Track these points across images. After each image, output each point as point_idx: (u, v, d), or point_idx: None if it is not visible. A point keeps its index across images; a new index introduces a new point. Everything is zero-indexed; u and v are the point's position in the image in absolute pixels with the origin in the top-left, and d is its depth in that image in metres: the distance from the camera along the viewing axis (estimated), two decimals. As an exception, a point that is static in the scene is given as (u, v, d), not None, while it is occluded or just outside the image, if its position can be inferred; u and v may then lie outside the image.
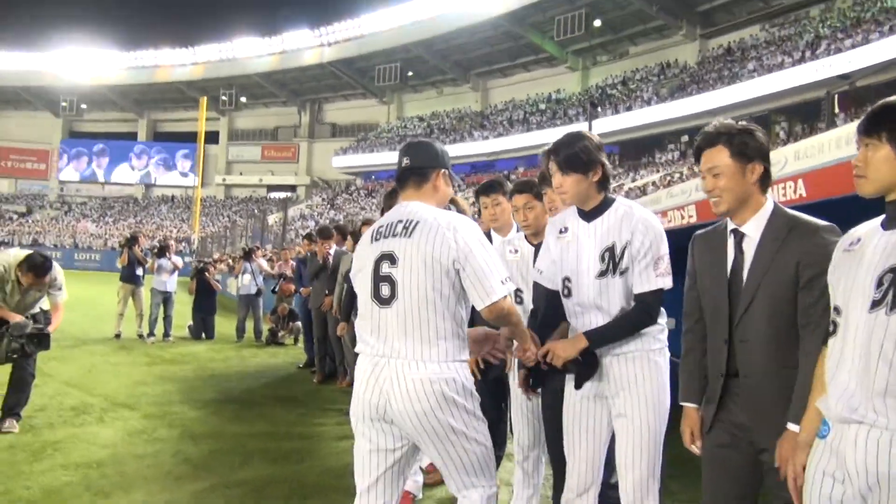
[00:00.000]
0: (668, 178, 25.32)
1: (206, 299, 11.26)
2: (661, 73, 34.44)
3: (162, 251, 10.62)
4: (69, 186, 56.23)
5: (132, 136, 56.92)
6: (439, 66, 44.40)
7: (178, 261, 10.76)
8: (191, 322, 11.19)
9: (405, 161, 2.45)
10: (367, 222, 4.48)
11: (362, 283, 2.36)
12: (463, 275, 2.22)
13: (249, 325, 11.12)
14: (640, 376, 2.35)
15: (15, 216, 51.18)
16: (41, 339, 4.81)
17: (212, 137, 51.32)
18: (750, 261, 2.04)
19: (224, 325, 11.80)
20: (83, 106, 55.19)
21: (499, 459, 3.48)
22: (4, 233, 47.26)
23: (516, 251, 3.13)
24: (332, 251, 7.55)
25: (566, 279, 2.45)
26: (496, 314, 2.24)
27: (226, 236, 33.15)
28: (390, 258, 2.28)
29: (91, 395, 5.94)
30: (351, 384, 2.65)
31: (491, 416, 2.72)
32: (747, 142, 2.08)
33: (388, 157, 43.45)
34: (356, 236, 6.16)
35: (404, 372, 2.19)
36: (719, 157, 2.09)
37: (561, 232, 2.49)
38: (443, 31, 40.50)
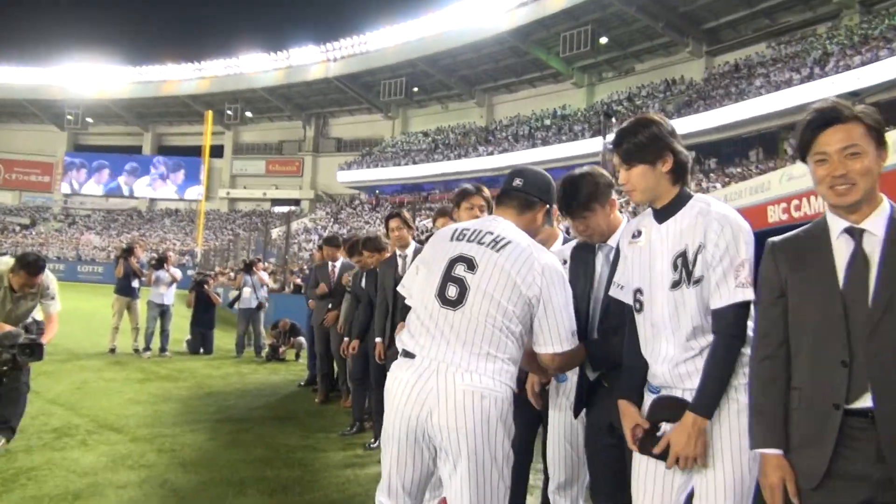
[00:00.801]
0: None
1: (204, 313, 10.96)
2: (667, 90, 34.31)
3: (160, 262, 10.32)
4: (73, 199, 56.21)
5: (137, 150, 56.95)
6: (444, 81, 44.40)
7: (177, 273, 10.46)
8: (189, 336, 10.90)
9: (517, 181, 2.37)
10: (442, 213, 4.22)
11: (427, 278, 2.23)
12: (538, 314, 2.14)
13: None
14: (722, 420, 1.93)
15: (18, 228, 51.08)
16: (34, 350, 4.51)
17: (217, 151, 51.40)
18: (878, 262, 1.66)
19: (224, 339, 11.50)
20: (88, 119, 55.31)
21: None
22: (8, 244, 47.11)
23: (565, 262, 2.72)
24: (338, 264, 7.26)
25: (638, 291, 2.10)
26: (558, 363, 2.19)
27: (229, 249, 32.91)
28: (469, 263, 2.17)
29: (77, 415, 5.62)
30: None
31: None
32: (880, 121, 1.73)
33: (393, 172, 43.39)
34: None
35: (455, 381, 2.05)
36: (856, 133, 1.69)
37: (634, 236, 2.16)
38: (448, 47, 40.51)
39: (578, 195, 2.44)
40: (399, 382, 2.13)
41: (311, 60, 47.82)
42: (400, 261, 4.74)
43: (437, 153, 42.95)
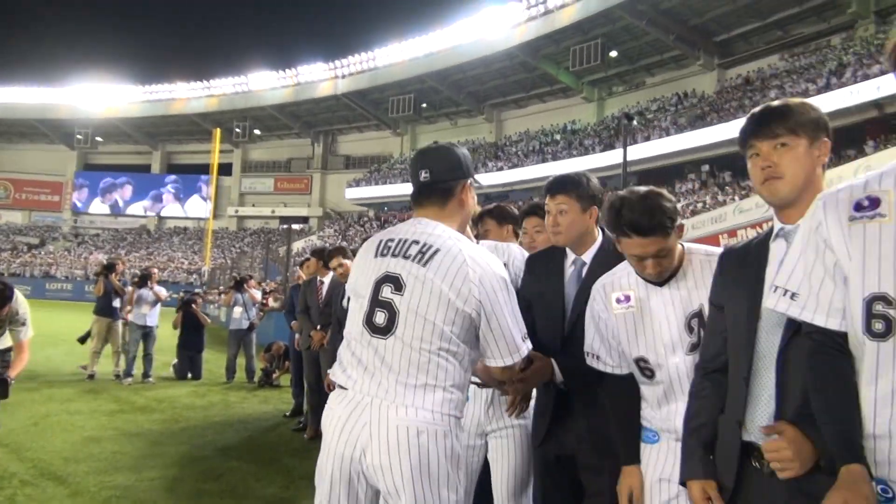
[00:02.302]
0: (691, 207, 24.34)
1: (192, 335, 10.31)
2: (678, 104, 33.69)
3: (143, 280, 9.66)
4: (82, 218, 56.11)
5: (146, 169, 56.88)
6: (453, 97, 44.00)
7: (161, 291, 9.80)
8: (175, 360, 10.26)
9: (424, 175, 2.06)
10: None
11: (356, 304, 2.01)
12: (482, 325, 1.92)
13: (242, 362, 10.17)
14: None
15: (27, 248, 50.97)
16: None
17: (225, 169, 51.19)
18: None
19: (217, 362, 10.85)
20: (98, 139, 55.31)
21: None
22: (17, 264, 46.97)
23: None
24: (327, 279, 6.63)
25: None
26: (507, 375, 2.04)
27: (234, 267, 32.47)
28: (395, 282, 1.93)
29: (19, 460, 4.92)
30: None
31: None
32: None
33: (401, 189, 42.95)
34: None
35: (388, 416, 1.84)
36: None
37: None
38: (457, 63, 40.11)
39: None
40: (332, 418, 1.93)
41: (319, 77, 47.64)
42: None
43: (451, 142, 42.36)
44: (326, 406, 1.99)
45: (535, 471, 2.52)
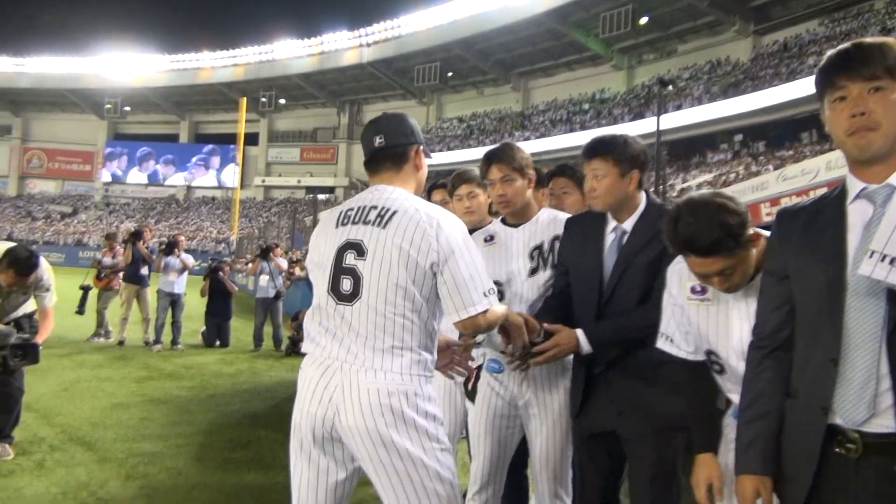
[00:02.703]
0: (723, 178, 23.80)
1: (220, 303, 10.36)
2: (711, 71, 32.80)
3: (170, 248, 9.69)
4: (113, 187, 56.85)
5: (174, 138, 57.29)
6: (480, 65, 43.36)
7: (188, 259, 9.84)
8: (204, 328, 10.34)
9: (378, 141, 2.11)
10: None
11: (319, 273, 2.04)
12: (440, 280, 1.94)
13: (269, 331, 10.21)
14: None
15: (60, 216, 51.91)
16: (27, 351, 3.99)
17: (252, 139, 51.22)
18: None
19: (245, 330, 10.91)
20: (126, 108, 55.69)
21: None
22: (51, 233, 47.94)
23: (492, 238, 2.67)
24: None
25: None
26: (472, 329, 1.99)
27: (261, 237, 32.69)
28: (357, 248, 1.97)
29: (48, 425, 4.97)
30: None
31: None
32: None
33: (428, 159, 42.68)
34: None
35: (358, 380, 1.88)
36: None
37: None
38: (483, 30, 39.39)
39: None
40: (304, 380, 1.97)
41: (344, 46, 47.25)
42: None
43: (471, 139, 42.06)
44: (300, 369, 2.03)
45: (575, 449, 2.50)
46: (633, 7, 33.51)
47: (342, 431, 1.88)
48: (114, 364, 7.98)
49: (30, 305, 4.30)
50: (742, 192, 15.85)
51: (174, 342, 9.50)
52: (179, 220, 50.33)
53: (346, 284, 1.95)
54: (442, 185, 4.08)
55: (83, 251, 43.81)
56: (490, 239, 2.61)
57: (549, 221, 2.58)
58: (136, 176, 56.52)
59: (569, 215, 2.62)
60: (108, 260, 10.22)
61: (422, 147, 2.19)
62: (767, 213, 11.46)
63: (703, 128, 29.27)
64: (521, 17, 37.22)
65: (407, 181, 2.13)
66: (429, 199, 4.11)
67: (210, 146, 55.62)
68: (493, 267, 2.45)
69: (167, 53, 53.12)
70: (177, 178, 56.22)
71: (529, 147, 37.34)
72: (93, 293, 9.80)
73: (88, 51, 53.53)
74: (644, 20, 34.29)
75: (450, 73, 44.94)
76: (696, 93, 30.99)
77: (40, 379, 6.57)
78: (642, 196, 2.39)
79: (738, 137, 28.09)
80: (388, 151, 2.11)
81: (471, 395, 2.66)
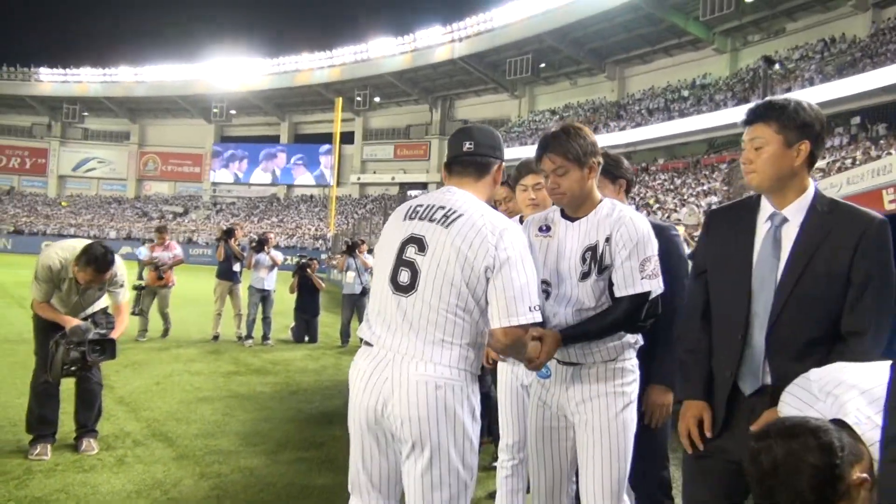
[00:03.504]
0: (838, 164, 22.06)
1: (308, 299, 10.55)
2: (824, 50, 30.47)
3: (260, 245, 9.91)
4: (220, 188, 59.83)
5: (276, 139, 59.57)
6: (572, 55, 42.36)
7: (278, 256, 10.03)
8: (293, 324, 10.55)
9: (467, 145, 2.18)
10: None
11: (382, 264, 2.13)
12: (491, 286, 1.99)
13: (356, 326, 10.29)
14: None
15: (173, 216, 55.17)
16: (105, 347, 4.09)
17: (347, 138, 52.53)
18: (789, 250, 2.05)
19: (334, 326, 11.06)
20: (232, 112, 58.39)
21: None
22: (169, 234, 50.89)
23: (548, 228, 2.41)
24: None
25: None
26: (511, 339, 2.00)
27: (355, 233, 33.39)
28: (419, 243, 2.05)
29: (136, 419, 5.12)
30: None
31: None
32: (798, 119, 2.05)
33: (519, 152, 41.93)
34: None
35: (409, 371, 1.97)
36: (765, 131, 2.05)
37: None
38: (577, 19, 38.35)
39: None
40: (357, 372, 2.07)
41: (436, 42, 47.45)
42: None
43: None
44: (353, 361, 2.13)
45: (686, 478, 2.20)
46: (738, -14, 31.64)
47: (391, 421, 1.97)
48: (206, 358, 8.25)
49: (104, 301, 4.40)
50: (861, 177, 14.52)
51: (265, 337, 9.73)
52: (281, 218, 52.33)
53: (405, 276, 2.03)
54: (504, 182, 3.89)
55: (193, 248, 46.39)
56: (546, 230, 2.34)
57: (605, 217, 2.25)
58: (240, 176, 59.22)
59: (629, 209, 2.30)
60: (164, 254, 9.78)
61: (503, 165, 2.25)
62: (891, 200, 10.31)
63: (815, 111, 27.25)
64: (616, 2, 35.96)
65: (482, 192, 2.17)
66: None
67: (308, 146, 57.50)
68: (543, 262, 2.30)
69: (268, 57, 55.30)
70: (277, 177, 58.44)
71: (626, 137, 36.53)
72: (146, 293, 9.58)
73: (197, 58, 56.63)
74: (749, -1, 32.35)
75: (542, 65, 44.14)
76: (808, 73, 28.89)
77: (137, 373, 6.89)
78: (811, 180, 2.00)
79: (856, 120, 25.95)
80: (474, 158, 2.17)
81: None
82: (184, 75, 56.10)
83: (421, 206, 2.13)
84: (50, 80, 57.56)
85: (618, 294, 2.20)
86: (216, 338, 9.73)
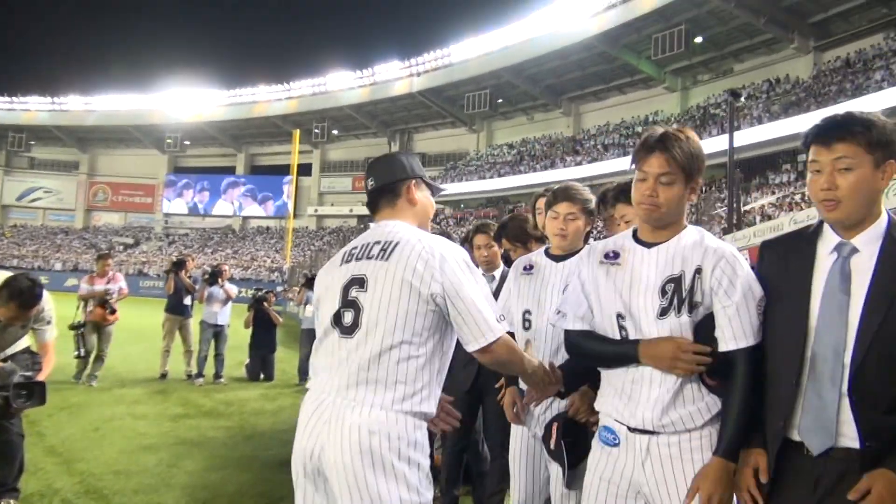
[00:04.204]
0: (788, 199, 22.68)
1: (264, 334, 10.12)
2: (770, 90, 31.65)
3: (213, 277, 9.47)
4: (173, 219, 58.55)
5: (231, 170, 58.77)
6: (529, 91, 43.10)
7: (232, 289, 9.60)
8: (248, 360, 10.09)
9: (370, 183, 2.22)
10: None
11: (326, 309, 2.06)
12: (453, 312, 1.91)
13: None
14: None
15: (123, 248, 53.56)
16: (32, 391, 3.51)
17: (305, 170, 52.19)
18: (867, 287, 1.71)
19: (292, 361, 10.61)
20: (186, 142, 57.54)
21: None
22: (113, 262, 49.34)
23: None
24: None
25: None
26: (494, 358, 1.94)
27: (313, 265, 32.84)
28: (360, 282, 2.00)
29: (67, 473, 4.63)
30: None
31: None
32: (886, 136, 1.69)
33: (478, 186, 42.62)
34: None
35: (344, 414, 1.87)
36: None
37: None
38: (533, 56, 39.20)
39: None
40: (301, 416, 2.01)
41: (395, 76, 47.78)
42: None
43: (522, 165, 41.71)
44: (301, 403, 2.05)
45: None
46: (687, 28, 32.73)
47: (325, 467, 1.88)
48: (152, 399, 7.76)
49: (25, 341, 3.94)
50: (811, 217, 14.91)
51: (217, 375, 9.26)
52: (235, 250, 51.32)
53: (348, 317, 1.97)
54: (481, 229, 3.96)
55: (144, 280, 44.94)
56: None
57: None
58: (194, 208, 58.08)
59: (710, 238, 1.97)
60: (108, 286, 8.71)
61: (415, 181, 2.20)
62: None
63: (762, 148, 28.13)
64: (571, 41, 36.87)
65: (405, 215, 2.16)
66: (471, 244, 3.92)
67: (264, 178, 56.85)
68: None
69: (225, 88, 54.79)
70: (232, 210, 57.50)
71: (582, 172, 37.00)
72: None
73: (151, 87, 55.72)
74: (699, 40, 33.47)
75: (500, 100, 44.83)
76: (756, 112, 29.89)
77: (73, 417, 6.39)
78: (883, 205, 1.76)
79: (803, 157, 26.78)
80: (380, 191, 2.19)
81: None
82: (137, 105, 55.11)
83: (356, 247, 2.10)
84: (-6, 108, 55.76)
85: (732, 346, 1.81)
86: (164, 376, 9.22)
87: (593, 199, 2.77)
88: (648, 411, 1.86)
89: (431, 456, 3.47)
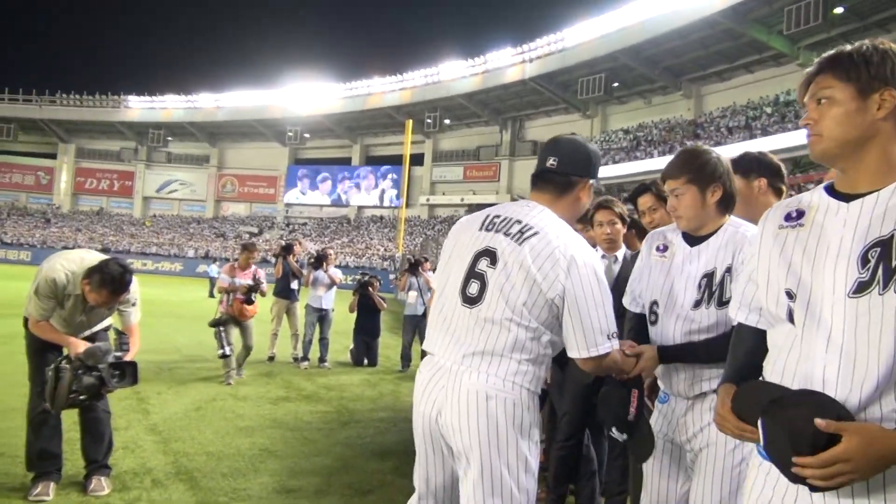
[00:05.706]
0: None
1: (369, 320, 10.05)
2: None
3: (318, 262, 9.47)
4: (293, 209, 61.19)
5: (347, 161, 60.56)
6: (647, 73, 41.15)
7: (337, 274, 9.57)
8: (352, 345, 10.06)
9: (551, 161, 2.11)
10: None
11: (453, 273, 2.07)
12: (566, 316, 1.94)
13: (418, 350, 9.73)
14: None
15: (248, 236, 56.61)
16: (125, 371, 3.52)
17: (417, 159, 52.87)
18: None
19: (397, 348, 10.52)
20: (306, 135, 59.92)
21: None
22: (258, 254, 52.22)
23: (665, 248, 2.30)
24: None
25: None
26: (591, 368, 2.00)
27: (422, 253, 33.11)
28: (492, 256, 2.01)
29: (162, 453, 4.61)
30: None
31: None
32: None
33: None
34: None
35: (462, 381, 1.95)
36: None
37: None
38: (652, 36, 37.27)
39: None
40: (418, 381, 2.09)
41: (507, 63, 47.20)
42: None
43: (638, 150, 39.97)
44: (418, 370, 2.13)
45: None
46: (825, -3, 29.98)
47: (443, 430, 1.96)
48: (256, 381, 7.85)
49: (109, 320, 3.94)
50: None
51: (321, 360, 9.30)
52: (350, 238, 52.88)
53: (474, 288, 2.00)
54: (603, 204, 3.64)
55: (267, 268, 47.33)
56: (663, 249, 2.24)
57: (727, 242, 2.10)
58: (313, 198, 60.39)
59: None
60: (250, 281, 8.07)
61: (592, 182, 2.16)
62: None
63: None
64: (693, 18, 34.73)
65: (563, 210, 2.11)
66: (591, 222, 3.66)
67: (379, 168, 58.17)
68: (657, 283, 2.21)
69: (341, 81, 56.44)
70: (348, 199, 59.28)
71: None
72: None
73: (273, 84, 58.42)
74: (839, 10, 30.55)
75: (615, 84, 43.20)
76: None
77: (179, 396, 6.51)
78: None
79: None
80: (556, 175, 2.11)
81: (630, 426, 2.13)
82: (260, 101, 57.90)
83: (498, 217, 2.08)
84: (138, 107, 60.53)
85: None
86: (272, 358, 9.37)
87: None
88: (685, 381, 2.16)
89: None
